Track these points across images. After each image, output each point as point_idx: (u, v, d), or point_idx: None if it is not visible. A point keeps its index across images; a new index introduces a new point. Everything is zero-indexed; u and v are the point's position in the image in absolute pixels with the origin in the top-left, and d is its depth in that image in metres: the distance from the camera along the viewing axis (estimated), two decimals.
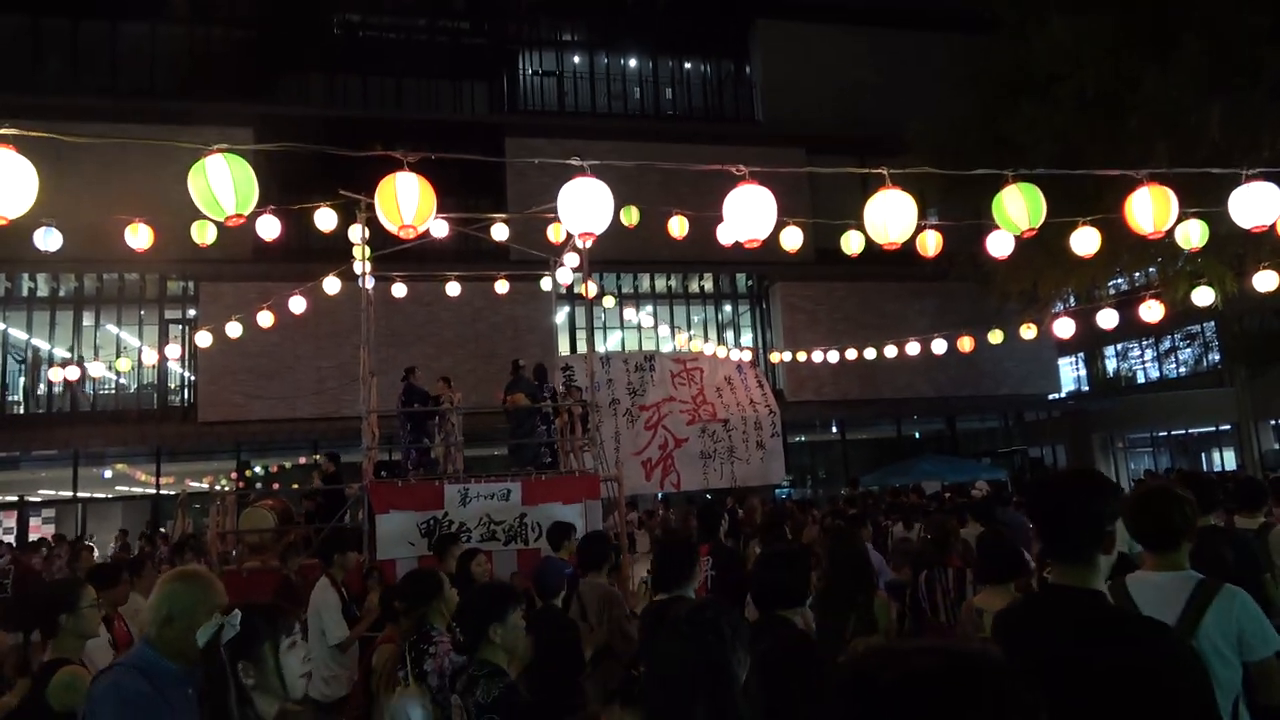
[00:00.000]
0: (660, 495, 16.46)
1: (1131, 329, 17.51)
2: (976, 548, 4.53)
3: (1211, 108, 13.64)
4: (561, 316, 22.03)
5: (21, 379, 20.65)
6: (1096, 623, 2.08)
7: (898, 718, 0.82)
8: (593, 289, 11.55)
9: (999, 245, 8.27)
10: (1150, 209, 5.76)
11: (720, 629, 1.97)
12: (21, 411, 20.28)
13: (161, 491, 20.54)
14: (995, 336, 15.02)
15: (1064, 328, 12.50)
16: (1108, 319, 12.32)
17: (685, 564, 3.96)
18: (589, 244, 9.09)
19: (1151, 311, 10.83)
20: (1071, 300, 18.98)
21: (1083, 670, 1.96)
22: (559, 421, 11.34)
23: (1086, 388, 30.22)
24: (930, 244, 8.40)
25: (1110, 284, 20.10)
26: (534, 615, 4.96)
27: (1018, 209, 5.65)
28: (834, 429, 25.08)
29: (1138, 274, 19.31)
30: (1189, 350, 26.68)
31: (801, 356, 17.75)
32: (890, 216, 5.22)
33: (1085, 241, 7.79)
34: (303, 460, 20.72)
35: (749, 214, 4.83)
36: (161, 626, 2.55)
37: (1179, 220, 6.75)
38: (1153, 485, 3.26)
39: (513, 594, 3.34)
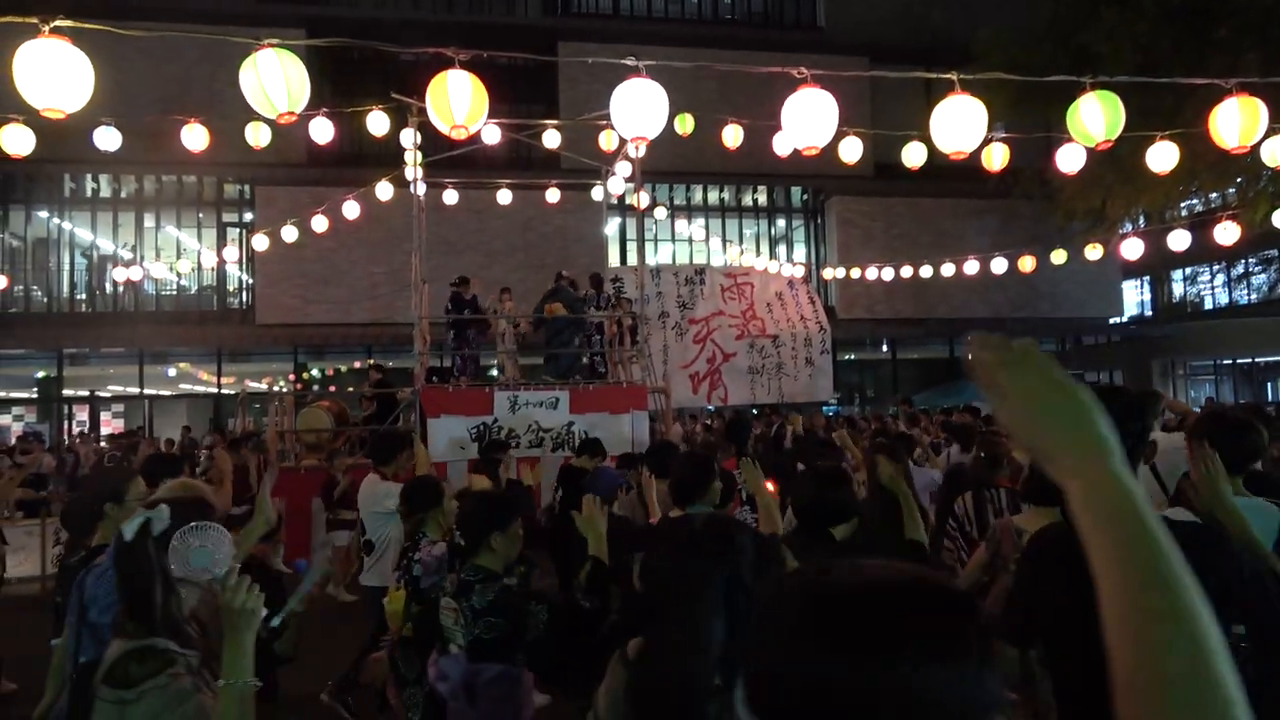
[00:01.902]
0: (711, 409, 16.53)
1: (1203, 252, 16.79)
2: (1028, 466, 4.38)
3: None
4: (612, 228, 21.85)
5: (88, 277, 21.28)
6: None
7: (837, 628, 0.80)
8: (644, 200, 11.39)
9: (1069, 160, 7.93)
10: (1237, 121, 5.43)
11: (735, 541, 1.92)
12: (89, 310, 20.95)
13: (223, 391, 21.22)
14: (1059, 256, 14.52)
15: (1131, 249, 12.03)
16: (1179, 240, 11.81)
17: (701, 478, 3.72)
18: (642, 149, 8.93)
19: (1227, 233, 10.36)
20: (1141, 220, 18.25)
21: None
22: (609, 332, 11.36)
23: (1149, 313, 29.32)
24: (996, 158, 8.08)
25: (1183, 204, 19.23)
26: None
27: (1094, 119, 5.35)
28: (884, 348, 24.80)
29: (1214, 194, 18.43)
30: (1263, 276, 25.60)
31: (855, 273, 17.43)
32: (958, 124, 4.98)
33: (1162, 157, 7.41)
34: (357, 364, 21.19)
35: (809, 119, 4.65)
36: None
37: (1266, 135, 6.36)
38: (1221, 409, 3.19)
39: (514, 505, 3.34)
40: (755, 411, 17.23)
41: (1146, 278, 28.69)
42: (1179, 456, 4.61)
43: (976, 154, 6.31)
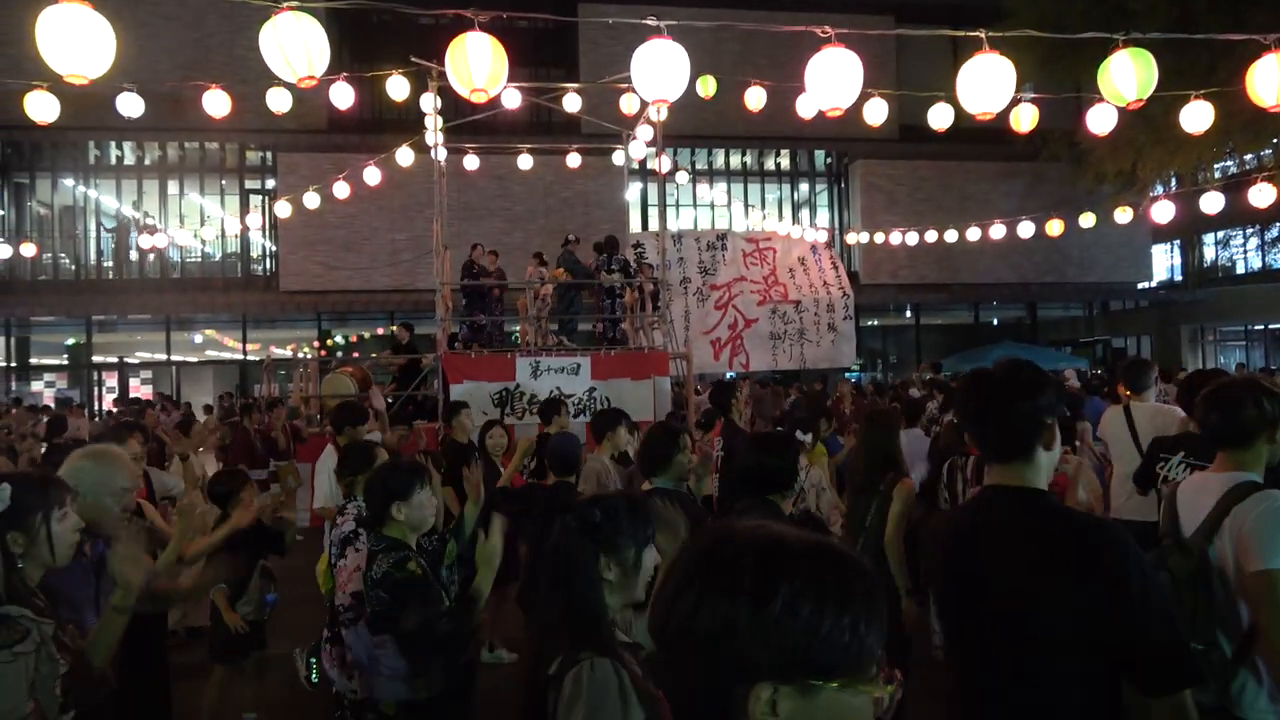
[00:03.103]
0: (733, 375, 16.51)
1: (1236, 215, 16.42)
2: None
3: None
4: (633, 193, 21.73)
5: (114, 245, 21.49)
6: (1036, 521, 1.86)
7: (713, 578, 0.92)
8: (666, 164, 11.30)
9: (1100, 121, 7.76)
10: (1276, 79, 5.28)
11: (592, 520, 1.96)
12: (114, 276, 21.18)
13: (248, 357, 21.45)
14: (1087, 220, 14.26)
15: (1162, 212, 11.80)
16: (1212, 203, 11.57)
17: (664, 452, 3.52)
18: (663, 112, 8.84)
19: (1262, 195, 10.16)
20: (1173, 183, 17.89)
21: (1022, 571, 1.80)
22: (629, 297, 11.33)
23: (1180, 277, 28.83)
24: (1025, 119, 7.92)
25: (1217, 166, 18.80)
26: (547, 492, 5.02)
27: (1126, 77, 5.22)
28: (908, 313, 24.61)
29: (1249, 155, 18.01)
30: None
31: (879, 238, 17.24)
32: (986, 84, 4.86)
33: (1196, 117, 7.23)
34: (380, 331, 21.33)
35: (833, 80, 4.57)
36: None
37: None
38: (1232, 377, 3.00)
39: (419, 472, 3.23)
40: (778, 377, 17.20)
41: (1177, 241, 28.12)
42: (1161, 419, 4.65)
43: (1004, 115, 6.18)
